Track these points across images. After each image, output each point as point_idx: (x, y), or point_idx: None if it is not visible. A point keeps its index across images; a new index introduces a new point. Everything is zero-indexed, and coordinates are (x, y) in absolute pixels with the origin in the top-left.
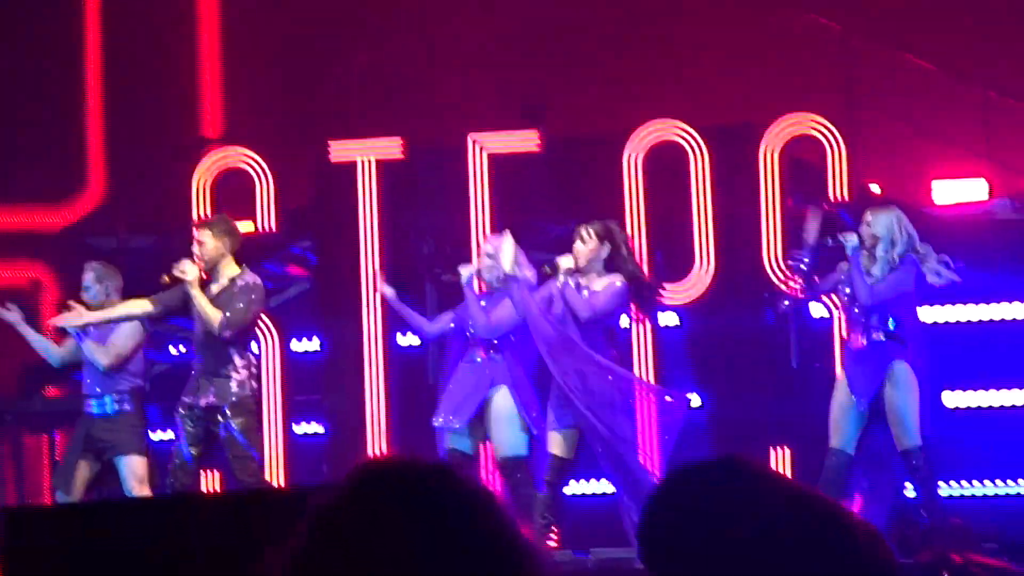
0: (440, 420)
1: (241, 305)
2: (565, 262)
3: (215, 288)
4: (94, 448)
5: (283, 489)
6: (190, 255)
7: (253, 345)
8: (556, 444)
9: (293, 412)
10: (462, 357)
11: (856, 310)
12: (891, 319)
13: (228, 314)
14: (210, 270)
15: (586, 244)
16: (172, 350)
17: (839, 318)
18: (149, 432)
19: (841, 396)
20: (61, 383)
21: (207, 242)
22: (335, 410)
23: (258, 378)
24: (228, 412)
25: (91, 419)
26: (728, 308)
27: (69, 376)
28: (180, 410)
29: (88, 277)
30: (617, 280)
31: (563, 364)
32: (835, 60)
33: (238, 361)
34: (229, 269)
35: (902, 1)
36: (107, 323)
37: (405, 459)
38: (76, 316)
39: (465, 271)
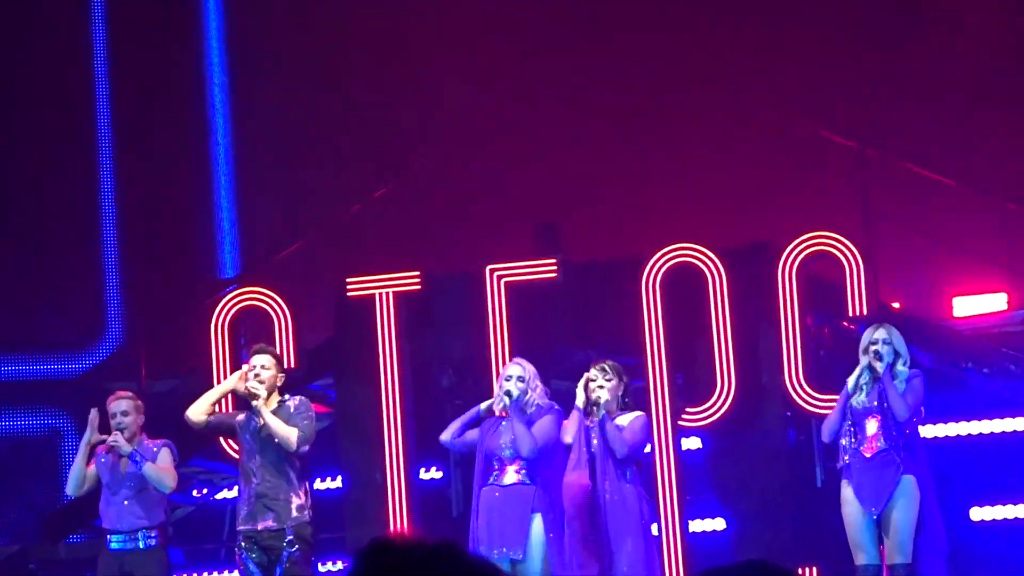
0: (496, 553)
1: (307, 422)
2: (604, 395)
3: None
4: None
5: None
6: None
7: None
8: None
9: (317, 550)
10: (485, 483)
11: (878, 421)
12: (906, 431)
13: (301, 431)
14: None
15: (609, 382)
16: (195, 493)
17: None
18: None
19: (853, 511)
20: (83, 529)
21: (270, 367)
22: (358, 546)
23: (313, 508)
24: (292, 537)
25: (120, 555)
26: (750, 429)
27: (90, 522)
28: (241, 542)
29: (125, 405)
30: (641, 415)
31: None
32: (852, 177)
33: (297, 486)
34: (274, 396)
35: (916, 116)
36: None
37: (412, 537)
38: (123, 441)
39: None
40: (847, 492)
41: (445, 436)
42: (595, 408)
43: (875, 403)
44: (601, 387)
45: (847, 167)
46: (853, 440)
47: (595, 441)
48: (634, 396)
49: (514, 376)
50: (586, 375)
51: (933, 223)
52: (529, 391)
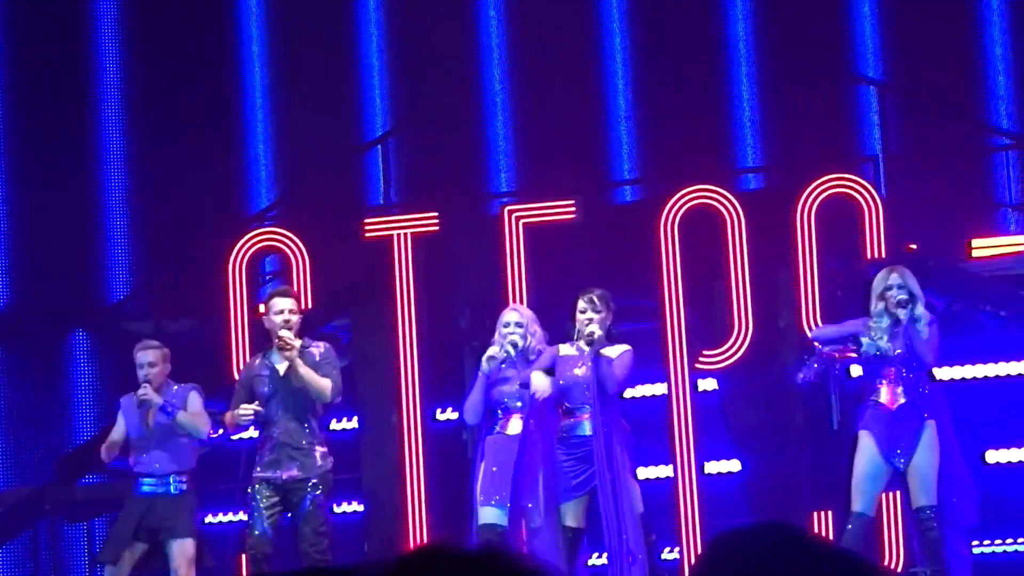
0: (494, 500)
1: (336, 371)
2: (596, 330)
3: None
4: (149, 528)
5: (339, 569)
6: (227, 338)
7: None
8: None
9: (332, 491)
10: (490, 431)
11: (897, 370)
12: (926, 377)
13: (333, 381)
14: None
15: (600, 313)
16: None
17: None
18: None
19: (868, 459)
20: (98, 470)
21: (296, 312)
22: (373, 488)
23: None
24: (317, 484)
25: (150, 499)
26: (767, 371)
27: (106, 465)
28: (255, 485)
29: (152, 355)
30: (630, 349)
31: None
32: (870, 116)
33: (319, 434)
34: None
35: (932, 57)
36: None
37: (452, 548)
38: (154, 394)
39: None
40: (866, 441)
41: (472, 419)
42: (588, 344)
43: (898, 352)
44: (591, 320)
45: (865, 106)
46: (876, 387)
47: (581, 373)
48: (651, 337)
49: (512, 323)
50: (577, 307)
51: (951, 163)
52: (529, 336)
